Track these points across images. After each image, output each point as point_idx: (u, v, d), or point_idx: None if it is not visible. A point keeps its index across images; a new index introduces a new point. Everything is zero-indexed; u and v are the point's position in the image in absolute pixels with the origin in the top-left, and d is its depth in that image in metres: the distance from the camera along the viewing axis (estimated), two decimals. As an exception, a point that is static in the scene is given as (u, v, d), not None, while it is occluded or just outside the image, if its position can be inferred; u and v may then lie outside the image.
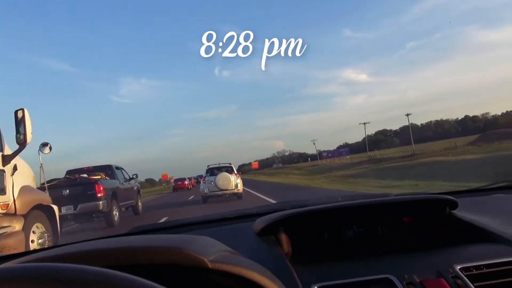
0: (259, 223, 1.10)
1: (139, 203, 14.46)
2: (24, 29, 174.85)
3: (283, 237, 1.03)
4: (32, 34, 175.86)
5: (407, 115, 56.56)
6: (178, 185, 38.16)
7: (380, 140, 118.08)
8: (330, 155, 68.90)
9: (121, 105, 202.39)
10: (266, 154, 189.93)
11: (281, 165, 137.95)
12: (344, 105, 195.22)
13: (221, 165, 16.09)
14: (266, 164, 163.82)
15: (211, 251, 0.65)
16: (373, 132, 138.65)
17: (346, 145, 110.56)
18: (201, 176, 20.69)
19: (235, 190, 14.67)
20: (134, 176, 14.59)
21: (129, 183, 13.59)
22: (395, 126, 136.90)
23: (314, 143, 77.57)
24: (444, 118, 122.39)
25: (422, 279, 0.80)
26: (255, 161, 54.49)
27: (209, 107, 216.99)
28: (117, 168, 13.44)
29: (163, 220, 9.66)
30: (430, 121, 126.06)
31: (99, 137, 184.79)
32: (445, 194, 1.21)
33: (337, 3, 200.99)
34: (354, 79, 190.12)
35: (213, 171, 15.58)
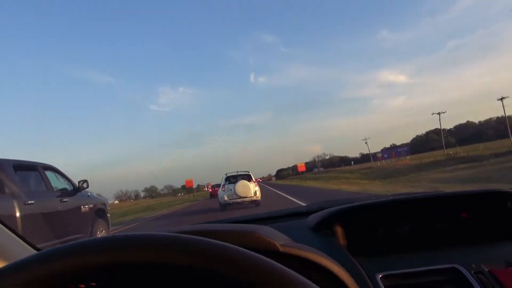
0: (314, 218, 1.09)
1: (102, 233, 7.15)
2: (69, 44, 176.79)
3: (339, 231, 1.02)
4: (76, 48, 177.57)
5: (501, 99, 44.58)
6: (215, 192, 33.63)
7: (433, 139, 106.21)
8: (385, 155, 58.84)
9: (160, 113, 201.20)
10: (303, 159, 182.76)
11: (322, 169, 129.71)
12: (383, 108, 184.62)
13: (239, 173, 16.08)
14: (306, 169, 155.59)
15: (278, 237, 0.66)
16: (424, 132, 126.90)
17: (394, 146, 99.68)
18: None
19: (254, 197, 14.63)
20: (84, 185, 6.86)
21: (67, 199, 6.08)
22: (442, 126, 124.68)
23: (366, 142, 67.68)
24: (506, 115, 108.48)
25: (491, 269, 0.80)
26: (301, 163, 44.84)
27: (245, 113, 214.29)
28: (30, 167, 5.81)
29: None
30: (490, 118, 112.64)
31: (139, 145, 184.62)
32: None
33: (372, 4, 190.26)
34: (393, 81, 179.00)
35: (231, 179, 15.58)
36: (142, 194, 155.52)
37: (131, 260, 0.39)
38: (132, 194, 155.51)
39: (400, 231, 1.05)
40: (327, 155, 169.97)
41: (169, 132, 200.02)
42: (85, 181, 6.90)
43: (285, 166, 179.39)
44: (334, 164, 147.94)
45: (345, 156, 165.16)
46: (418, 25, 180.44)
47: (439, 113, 52.11)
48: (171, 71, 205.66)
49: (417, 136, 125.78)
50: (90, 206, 6.96)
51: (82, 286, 0.39)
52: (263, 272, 0.37)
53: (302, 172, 48.42)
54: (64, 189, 6.58)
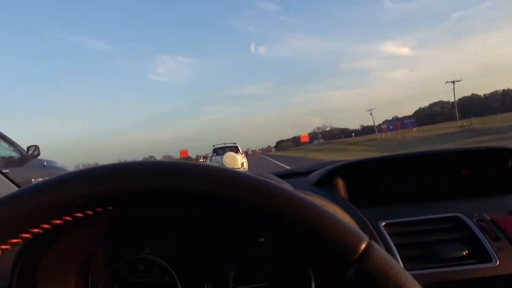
0: (315, 174, 1.12)
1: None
2: (64, 8, 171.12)
3: (340, 184, 1.04)
4: (72, 13, 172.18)
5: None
6: None
7: (436, 113, 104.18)
8: (391, 127, 56.42)
9: (158, 83, 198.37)
10: (303, 130, 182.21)
11: (322, 141, 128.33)
12: (384, 80, 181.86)
13: (226, 144, 16.41)
14: (309, 139, 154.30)
15: (285, 184, 0.66)
16: (427, 105, 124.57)
17: (397, 118, 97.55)
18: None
19: (241, 169, 14.18)
20: (35, 152, 5.13)
21: (8, 170, 4.29)
22: (446, 99, 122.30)
23: (371, 113, 65.05)
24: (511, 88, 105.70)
25: (492, 217, 0.83)
26: (304, 133, 42.61)
27: (245, 84, 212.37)
28: None
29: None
30: (496, 91, 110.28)
31: (137, 116, 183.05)
32: None
33: None
34: (395, 53, 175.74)
35: (218, 151, 15.91)
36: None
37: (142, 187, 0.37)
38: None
39: (401, 187, 1.07)
40: (327, 127, 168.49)
41: (168, 102, 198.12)
42: (35, 147, 5.18)
43: (285, 138, 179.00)
44: (335, 136, 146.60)
45: (346, 128, 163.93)
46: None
47: (453, 82, 48.12)
48: (169, 38, 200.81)
49: (420, 108, 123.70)
50: (46, 178, 5.26)
51: (99, 209, 0.38)
52: (303, 209, 0.38)
53: (305, 143, 45.86)
54: (9, 157, 4.88)
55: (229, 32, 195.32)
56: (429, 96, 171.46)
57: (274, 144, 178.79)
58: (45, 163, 5.46)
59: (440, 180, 1.06)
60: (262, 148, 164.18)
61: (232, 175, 0.38)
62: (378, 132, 60.38)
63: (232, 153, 14.72)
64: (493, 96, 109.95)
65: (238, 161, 14.57)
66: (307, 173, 1.31)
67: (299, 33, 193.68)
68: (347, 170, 1.04)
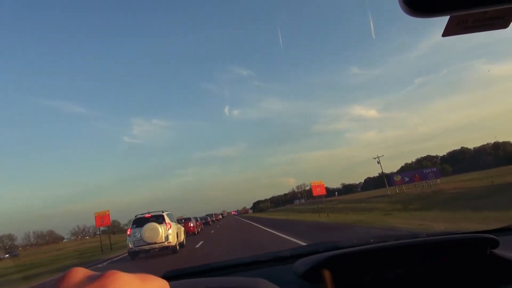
0: (301, 265, 1.13)
1: None
2: (39, 72, 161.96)
3: (327, 277, 1.05)
4: (46, 77, 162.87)
5: None
6: (188, 227, 27.19)
7: (427, 167, 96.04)
8: (406, 179, 46.58)
9: (133, 145, 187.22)
10: (278, 191, 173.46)
11: (303, 201, 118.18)
12: (356, 141, 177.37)
13: (151, 214, 13.90)
14: (285, 201, 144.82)
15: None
16: (414, 160, 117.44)
17: (408, 170, 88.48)
18: (210, 215, 21.63)
19: (166, 243, 12.79)
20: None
21: None
22: (434, 153, 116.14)
23: (378, 162, 55.64)
24: (500, 141, 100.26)
25: None
26: (319, 181, 31.31)
27: (219, 145, 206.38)
28: None
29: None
30: (487, 143, 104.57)
31: (111, 177, 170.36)
32: (482, 233, 1.20)
33: (343, 42, 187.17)
34: (364, 115, 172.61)
35: (140, 222, 13.28)
36: (102, 229, 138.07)
37: None
38: (91, 230, 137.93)
39: (385, 276, 1.10)
40: (306, 186, 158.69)
41: (142, 164, 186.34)
42: None
43: (262, 198, 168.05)
44: (315, 196, 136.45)
45: (327, 187, 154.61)
46: (386, 62, 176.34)
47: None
48: (144, 102, 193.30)
49: (406, 164, 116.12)
50: None
51: None
52: None
53: (320, 196, 34.02)
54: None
55: (204, 96, 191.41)
56: (406, 154, 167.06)
57: (251, 205, 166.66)
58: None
59: (422, 266, 1.09)
60: (238, 210, 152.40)
61: None
62: (390, 185, 50.00)
63: (153, 225, 12.76)
64: (484, 149, 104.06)
65: (161, 234, 12.66)
66: (291, 257, 1.30)
67: (272, 97, 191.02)
68: (332, 262, 1.05)
